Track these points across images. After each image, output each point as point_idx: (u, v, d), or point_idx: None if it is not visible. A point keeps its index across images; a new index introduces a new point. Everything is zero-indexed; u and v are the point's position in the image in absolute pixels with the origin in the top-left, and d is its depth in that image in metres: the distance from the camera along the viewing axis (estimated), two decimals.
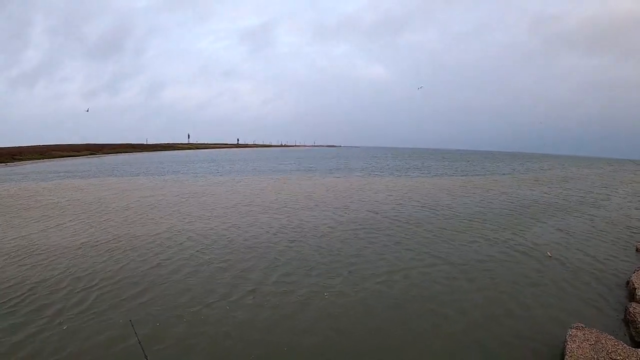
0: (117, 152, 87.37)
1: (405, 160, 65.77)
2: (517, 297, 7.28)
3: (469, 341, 5.78)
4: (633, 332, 5.88)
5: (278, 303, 6.96)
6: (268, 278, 8.16)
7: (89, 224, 13.04)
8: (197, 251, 9.99)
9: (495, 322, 6.32)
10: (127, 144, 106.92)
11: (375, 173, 36.51)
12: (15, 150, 64.46)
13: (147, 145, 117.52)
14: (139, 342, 4.03)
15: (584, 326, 5.57)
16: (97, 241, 10.84)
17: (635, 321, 5.98)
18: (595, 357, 4.81)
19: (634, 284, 7.28)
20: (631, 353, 4.83)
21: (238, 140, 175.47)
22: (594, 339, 5.17)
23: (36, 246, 10.39)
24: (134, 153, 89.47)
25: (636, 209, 17.49)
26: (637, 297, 6.84)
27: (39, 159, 60.36)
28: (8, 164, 50.04)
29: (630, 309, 6.33)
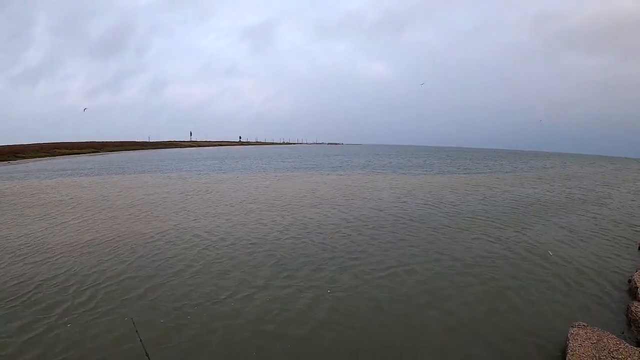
0: (120, 150, 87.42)
1: (407, 158, 65.67)
2: (520, 294, 7.30)
3: (472, 337, 5.82)
4: (635, 332, 5.90)
5: (284, 301, 7.00)
6: (274, 275, 8.20)
7: (93, 222, 13.09)
8: (203, 249, 10.03)
9: (498, 319, 6.36)
10: (129, 141, 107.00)
11: (378, 171, 36.47)
12: (18, 148, 64.54)
13: (150, 142, 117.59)
14: (141, 341, 4.07)
15: (585, 325, 5.60)
16: (101, 239, 10.89)
17: (638, 320, 6.01)
18: (597, 356, 4.83)
19: (636, 283, 7.30)
20: (633, 352, 4.86)
21: (240, 137, 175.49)
22: (596, 337, 5.19)
23: (41, 244, 10.44)
24: (137, 151, 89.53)
25: (639, 207, 17.47)
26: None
27: (42, 156, 60.44)
28: (11, 161, 50.13)
29: (633, 308, 6.35)
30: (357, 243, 10.58)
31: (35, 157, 58.92)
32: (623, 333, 5.87)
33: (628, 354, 4.81)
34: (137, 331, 4.33)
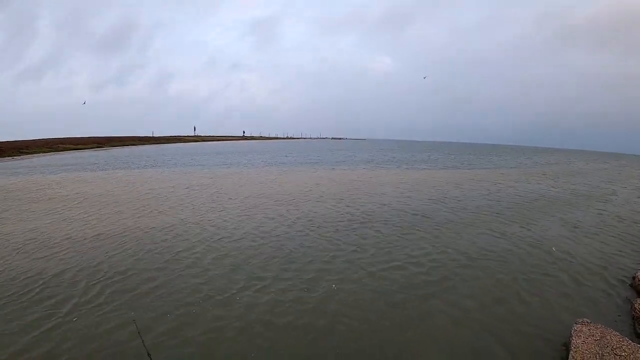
0: (124, 145, 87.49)
1: (411, 152, 65.65)
2: (524, 289, 7.36)
3: (475, 331, 5.90)
4: (638, 329, 5.91)
5: (284, 295, 7.07)
6: (280, 270, 8.27)
7: (99, 217, 13.15)
8: (209, 244, 10.08)
9: (503, 313, 6.44)
10: (133, 136, 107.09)
11: (382, 165, 36.45)
12: (22, 144, 64.65)
13: (154, 137, 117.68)
14: (141, 339, 4.10)
15: (589, 321, 5.61)
16: (108, 234, 10.94)
17: None
18: (600, 352, 4.85)
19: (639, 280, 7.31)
20: (636, 349, 4.87)
21: (244, 132, 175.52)
22: (599, 334, 5.21)
23: (46, 239, 10.49)
24: (141, 145, 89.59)
25: None
26: None
27: (46, 152, 60.53)
28: (15, 157, 50.26)
29: (636, 305, 6.36)
30: (363, 237, 10.65)
31: (39, 152, 59.01)
32: (627, 330, 5.89)
33: (631, 351, 4.83)
34: (139, 332, 4.35)
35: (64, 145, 71.00)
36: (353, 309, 6.53)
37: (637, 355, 4.77)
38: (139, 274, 7.99)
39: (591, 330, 5.31)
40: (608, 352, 4.83)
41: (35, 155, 55.06)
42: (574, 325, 5.53)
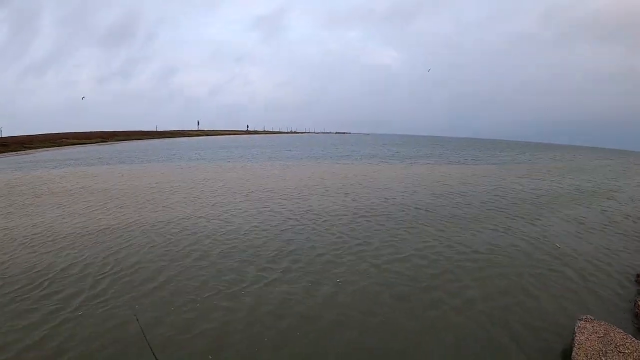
0: (128, 139, 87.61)
1: (415, 147, 65.36)
2: (528, 286, 7.37)
3: (479, 327, 5.92)
4: None
5: (290, 289, 7.11)
6: (280, 264, 8.31)
7: (103, 212, 13.22)
8: (216, 238, 10.13)
9: (506, 310, 6.44)
10: (137, 131, 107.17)
11: (386, 160, 36.40)
12: (26, 139, 64.82)
13: (158, 132, 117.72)
14: (144, 335, 4.09)
15: (592, 318, 5.59)
16: (112, 228, 11.00)
17: None
18: (604, 349, 4.84)
19: None
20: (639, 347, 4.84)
21: (248, 127, 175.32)
22: (603, 331, 5.19)
23: (52, 234, 10.56)
24: (145, 140, 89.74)
25: None
26: None
27: (50, 147, 60.67)
28: (19, 152, 50.43)
29: None
30: (363, 232, 10.66)
31: (43, 147, 59.16)
32: (631, 328, 5.87)
33: (635, 349, 4.82)
34: (141, 328, 4.34)
35: (68, 140, 71.17)
36: (360, 303, 6.59)
37: None
38: (146, 269, 8.03)
39: (595, 327, 5.29)
40: (611, 350, 4.82)
41: (39, 150, 55.23)
42: (578, 321, 5.52)
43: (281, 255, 8.80)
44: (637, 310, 6.27)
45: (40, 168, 28.54)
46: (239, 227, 11.11)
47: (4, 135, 70.57)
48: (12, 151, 50.75)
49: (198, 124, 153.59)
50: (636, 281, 7.57)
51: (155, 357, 3.71)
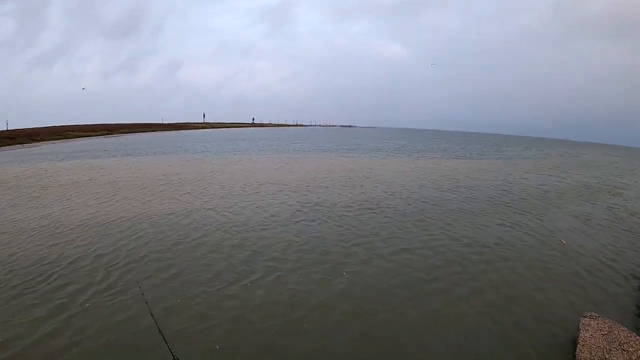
0: (134, 132, 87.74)
1: (421, 141, 65.08)
2: (533, 281, 7.39)
3: (484, 321, 5.97)
4: None
5: (298, 281, 7.17)
6: (288, 256, 8.37)
7: (111, 204, 13.28)
8: (226, 230, 10.18)
9: (511, 304, 6.49)
10: (143, 123, 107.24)
11: (392, 154, 36.29)
12: (32, 132, 65.05)
13: (163, 124, 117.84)
14: (156, 324, 4.12)
15: (597, 315, 5.62)
16: (121, 221, 11.04)
17: None
18: (608, 347, 4.86)
19: None
20: None
21: (253, 119, 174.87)
22: (607, 329, 5.21)
23: (60, 226, 10.62)
24: (150, 132, 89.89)
25: None
26: None
27: (56, 139, 60.90)
28: (25, 145, 50.65)
29: None
30: (370, 225, 10.72)
31: (49, 140, 59.37)
32: (635, 326, 5.87)
33: (639, 347, 4.84)
34: (151, 314, 4.37)
35: (74, 133, 71.39)
36: (357, 298, 6.60)
37: None
38: (156, 261, 8.08)
39: (599, 325, 5.31)
40: (615, 347, 4.84)
41: (45, 142, 55.50)
42: (582, 318, 5.55)
43: (291, 248, 8.85)
44: None
45: (47, 160, 28.68)
46: (249, 219, 11.17)
47: (11, 127, 70.82)
48: (19, 144, 51.03)
49: (204, 116, 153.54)
50: None
51: (169, 348, 3.75)
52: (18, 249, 8.89)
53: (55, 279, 7.22)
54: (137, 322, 5.66)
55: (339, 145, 49.61)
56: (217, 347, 5.18)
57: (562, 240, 9.73)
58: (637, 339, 4.99)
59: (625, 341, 4.93)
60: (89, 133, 75.18)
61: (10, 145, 48.90)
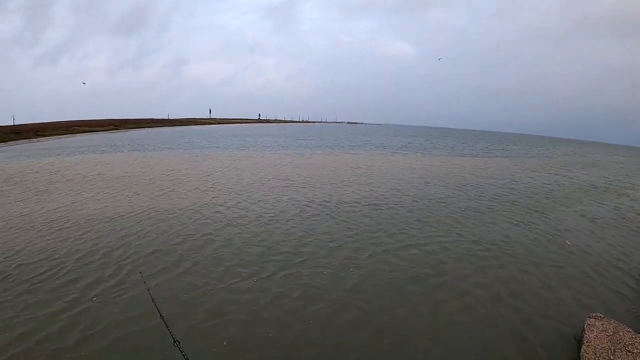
0: (140, 127, 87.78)
1: (427, 139, 65.03)
2: (538, 280, 7.41)
3: (492, 316, 6.04)
4: None
5: (307, 278, 7.21)
6: (296, 252, 8.40)
7: (119, 199, 13.32)
8: (236, 225, 10.23)
9: (515, 303, 6.50)
10: (149, 119, 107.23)
11: (399, 151, 36.28)
12: (39, 127, 65.12)
13: (169, 120, 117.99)
14: (165, 322, 4.13)
15: (602, 316, 5.62)
16: (129, 216, 11.07)
17: None
18: (612, 348, 4.87)
19: None
20: None
21: (259, 115, 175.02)
22: (612, 330, 5.22)
23: (68, 221, 10.63)
24: (157, 128, 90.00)
25: None
26: None
27: (62, 134, 60.93)
28: (31, 140, 50.78)
29: None
30: (377, 222, 10.79)
31: (55, 135, 59.43)
32: (639, 327, 5.87)
33: None
34: (158, 310, 4.38)
35: (80, 128, 71.51)
36: (365, 294, 6.65)
37: None
38: (167, 256, 8.09)
39: (604, 325, 5.32)
40: (620, 348, 4.85)
41: (52, 137, 55.59)
42: (587, 319, 5.55)
43: (301, 243, 8.90)
44: None
45: (53, 155, 28.71)
46: (258, 215, 11.23)
47: (17, 122, 71.05)
48: (25, 139, 51.16)
49: (210, 112, 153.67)
50: None
51: (179, 346, 3.76)
52: (27, 243, 8.88)
53: (65, 274, 7.22)
54: (146, 319, 5.64)
55: (346, 142, 49.59)
56: (225, 343, 5.20)
57: (567, 241, 9.71)
58: None
59: (630, 342, 4.94)
60: (95, 128, 75.24)
61: (17, 140, 49.04)
